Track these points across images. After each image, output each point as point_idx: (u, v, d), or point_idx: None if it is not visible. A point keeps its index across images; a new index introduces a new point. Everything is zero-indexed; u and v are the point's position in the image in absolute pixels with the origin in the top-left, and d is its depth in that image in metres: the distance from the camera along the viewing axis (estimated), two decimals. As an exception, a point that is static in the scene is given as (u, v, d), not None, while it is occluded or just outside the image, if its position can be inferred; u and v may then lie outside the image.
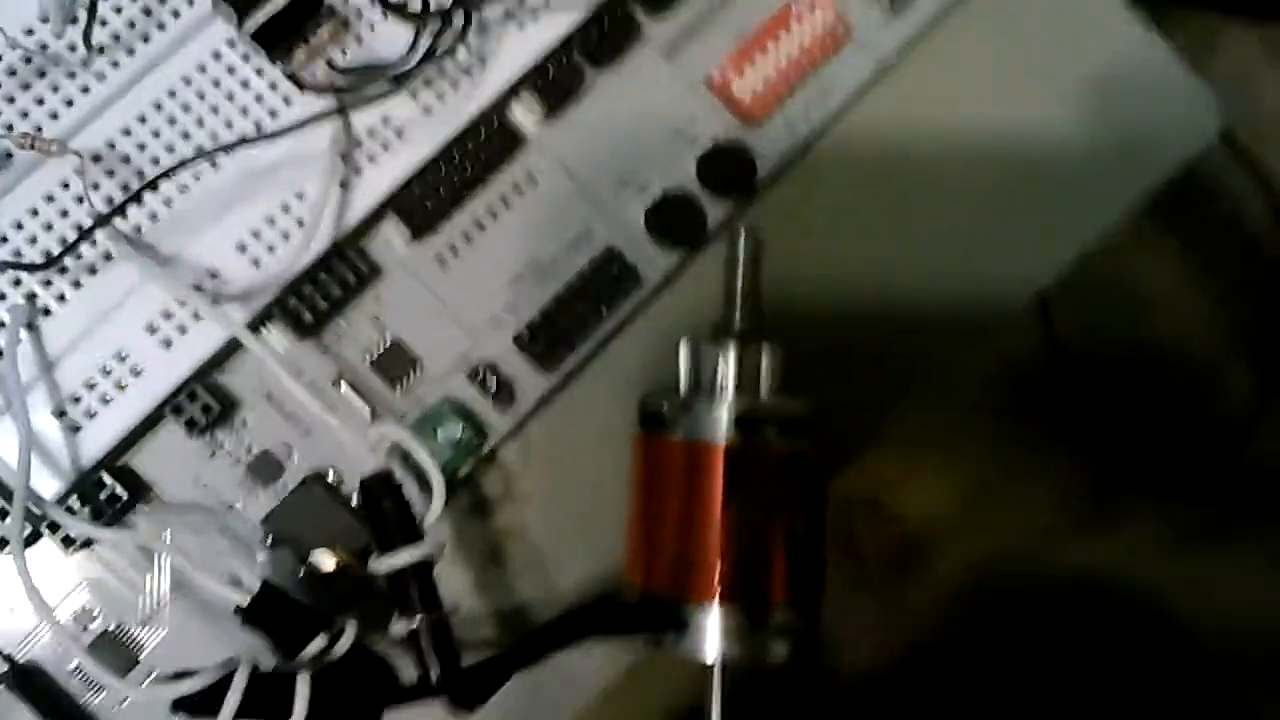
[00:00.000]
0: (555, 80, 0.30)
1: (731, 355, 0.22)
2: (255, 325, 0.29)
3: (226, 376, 0.29)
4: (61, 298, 0.27)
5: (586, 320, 0.30)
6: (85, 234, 0.27)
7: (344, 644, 0.26)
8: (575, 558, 0.30)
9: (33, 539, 0.27)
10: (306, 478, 0.29)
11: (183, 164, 0.27)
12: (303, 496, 0.28)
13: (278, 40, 0.28)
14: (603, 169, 0.31)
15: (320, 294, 0.29)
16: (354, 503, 0.28)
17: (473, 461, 0.29)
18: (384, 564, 0.26)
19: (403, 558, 0.26)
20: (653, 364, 0.31)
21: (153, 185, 0.27)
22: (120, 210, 0.27)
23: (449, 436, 0.29)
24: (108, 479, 0.27)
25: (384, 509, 0.27)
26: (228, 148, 0.28)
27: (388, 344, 0.29)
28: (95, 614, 0.28)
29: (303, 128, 0.28)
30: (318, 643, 0.26)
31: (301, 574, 0.28)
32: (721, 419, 0.21)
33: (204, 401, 0.28)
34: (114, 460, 0.28)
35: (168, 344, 0.28)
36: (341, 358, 0.29)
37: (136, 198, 0.27)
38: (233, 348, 0.29)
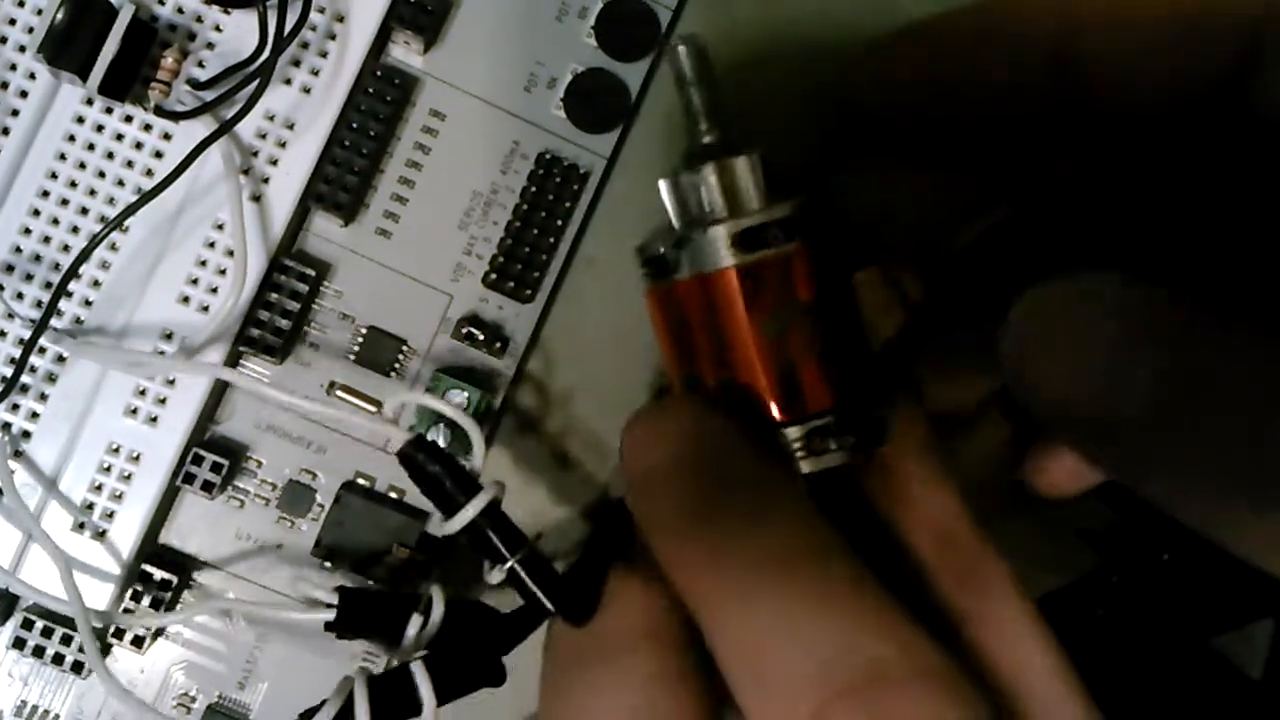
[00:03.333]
0: (420, 5, 0.28)
1: (711, 178, 0.21)
2: (230, 366, 0.28)
3: (223, 427, 0.28)
4: (34, 415, 0.27)
5: (549, 234, 0.29)
6: (29, 346, 0.26)
7: (438, 611, 0.25)
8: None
9: (105, 650, 0.27)
10: (339, 492, 0.28)
11: (94, 242, 0.26)
12: (342, 511, 0.28)
13: (129, 82, 0.27)
14: (504, 77, 0.29)
15: (278, 313, 0.28)
16: (394, 494, 0.28)
17: (491, 414, 0.29)
18: (454, 525, 0.25)
19: (468, 513, 0.25)
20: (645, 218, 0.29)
21: (74, 274, 0.26)
22: (53, 310, 0.26)
23: (458, 403, 0.28)
24: (151, 569, 0.27)
25: (430, 473, 0.26)
26: (132, 209, 0.26)
27: (364, 335, 0.28)
28: (194, 694, 0.28)
29: (194, 160, 0.26)
30: (415, 622, 0.25)
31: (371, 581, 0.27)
32: (719, 244, 0.20)
33: (211, 460, 0.27)
34: (150, 548, 0.27)
35: (153, 420, 0.27)
36: (326, 365, 0.28)
37: (63, 292, 0.26)
38: (217, 398, 0.28)
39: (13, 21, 0.27)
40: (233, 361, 0.28)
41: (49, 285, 0.27)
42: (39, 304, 0.27)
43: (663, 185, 0.22)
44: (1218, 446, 0.14)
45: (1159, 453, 0.15)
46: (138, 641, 0.27)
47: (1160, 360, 0.14)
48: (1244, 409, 0.14)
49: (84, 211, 0.27)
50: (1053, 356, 0.16)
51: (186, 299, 0.27)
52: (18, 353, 0.26)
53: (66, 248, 0.27)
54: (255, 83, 0.27)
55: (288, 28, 0.27)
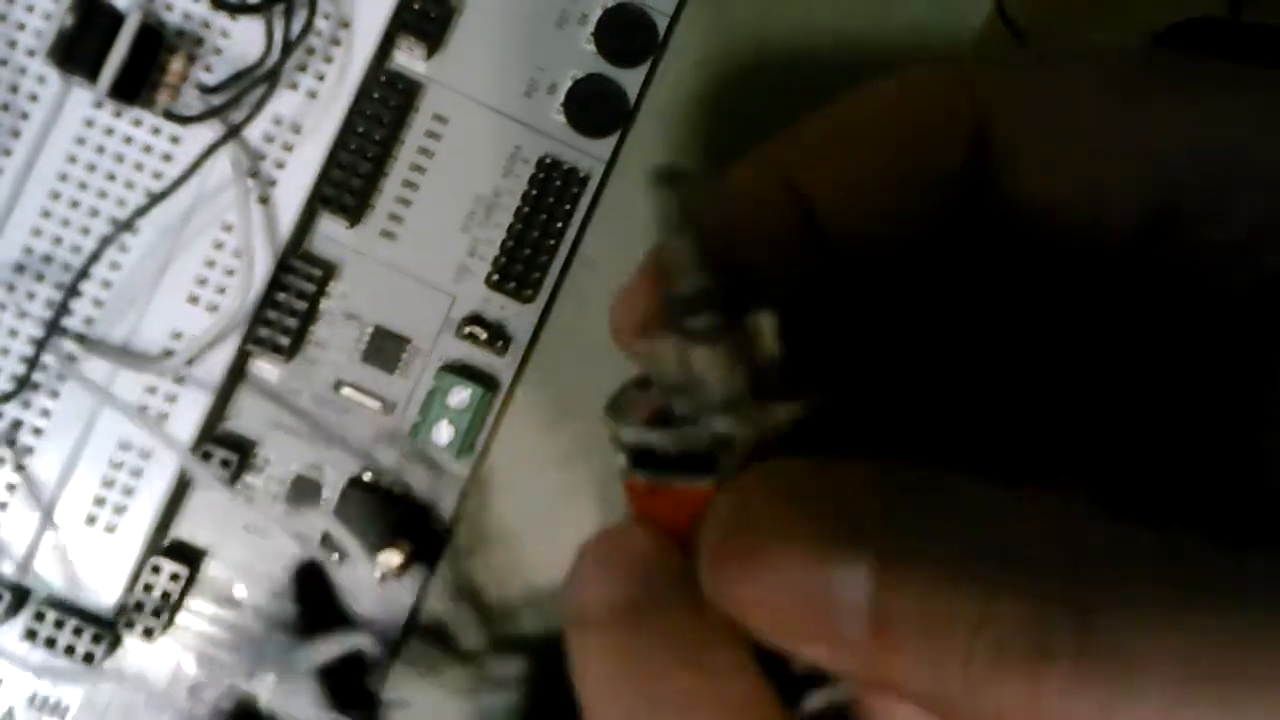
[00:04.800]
0: (424, 12, 0.29)
1: (711, 366, 0.14)
2: (238, 366, 0.28)
3: (232, 423, 0.29)
4: (46, 413, 0.27)
5: (549, 236, 0.29)
6: (41, 346, 0.27)
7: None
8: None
9: (115, 642, 0.28)
10: (344, 488, 0.29)
11: (105, 243, 0.27)
12: (347, 506, 0.29)
13: (138, 87, 0.27)
14: (505, 83, 0.30)
15: (286, 313, 0.28)
16: (399, 491, 0.29)
17: (493, 412, 0.29)
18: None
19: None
20: (634, 239, 0.30)
21: (85, 274, 0.27)
22: (64, 309, 0.27)
23: (460, 401, 0.28)
24: (161, 561, 0.28)
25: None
26: (142, 211, 0.27)
27: (370, 334, 0.29)
28: (204, 684, 0.28)
29: (203, 163, 0.27)
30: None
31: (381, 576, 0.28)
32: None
33: (220, 456, 0.28)
34: (160, 542, 0.28)
35: (164, 417, 0.28)
36: (332, 363, 0.29)
37: (74, 291, 0.27)
38: (227, 394, 0.28)
39: (22, 27, 0.28)
40: (242, 361, 0.28)
41: (60, 286, 0.27)
42: (50, 304, 0.27)
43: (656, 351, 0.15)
44: None
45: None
46: (148, 632, 0.27)
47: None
48: None
49: (94, 214, 0.28)
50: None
51: (195, 299, 0.28)
52: (31, 351, 0.27)
53: (77, 249, 0.27)
54: (263, 87, 0.27)
55: (294, 34, 0.27)
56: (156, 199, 0.27)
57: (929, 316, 0.16)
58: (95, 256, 0.27)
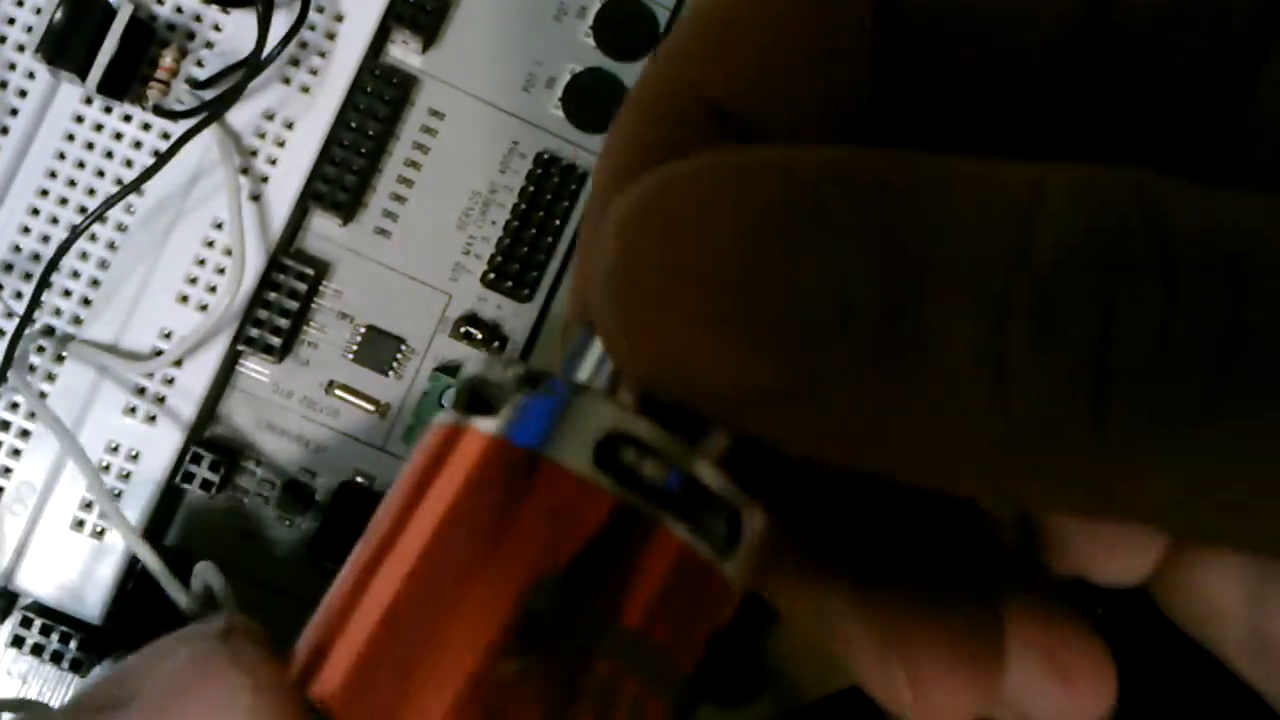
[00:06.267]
0: (419, 5, 0.28)
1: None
2: (229, 365, 0.28)
3: (221, 426, 0.28)
4: (32, 415, 0.27)
5: (547, 233, 0.29)
6: (15, 341, 0.26)
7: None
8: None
9: (107, 649, 0.27)
10: (336, 492, 0.28)
11: (74, 235, 0.26)
12: (339, 509, 0.28)
13: (128, 82, 0.27)
14: (503, 77, 0.29)
15: (277, 312, 0.28)
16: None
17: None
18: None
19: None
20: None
21: (55, 267, 0.26)
22: (37, 303, 0.26)
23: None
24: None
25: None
26: (118, 197, 0.26)
27: (363, 334, 0.28)
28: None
29: (179, 150, 0.26)
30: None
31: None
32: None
33: (210, 459, 0.27)
34: (155, 545, 0.27)
35: (152, 419, 0.27)
36: (324, 364, 0.28)
37: (45, 284, 0.26)
38: (216, 396, 0.28)
39: (12, 21, 0.27)
40: (232, 360, 0.28)
41: (48, 284, 0.27)
42: (39, 302, 0.27)
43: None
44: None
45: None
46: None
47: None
48: None
49: (83, 210, 0.27)
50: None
51: (185, 298, 0.27)
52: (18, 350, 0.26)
53: (60, 245, 0.27)
54: (256, 79, 0.27)
55: (286, 27, 0.27)
56: (126, 189, 0.26)
57: None
58: (64, 249, 0.26)
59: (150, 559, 0.25)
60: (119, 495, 0.27)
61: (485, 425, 0.12)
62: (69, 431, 0.26)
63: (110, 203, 0.26)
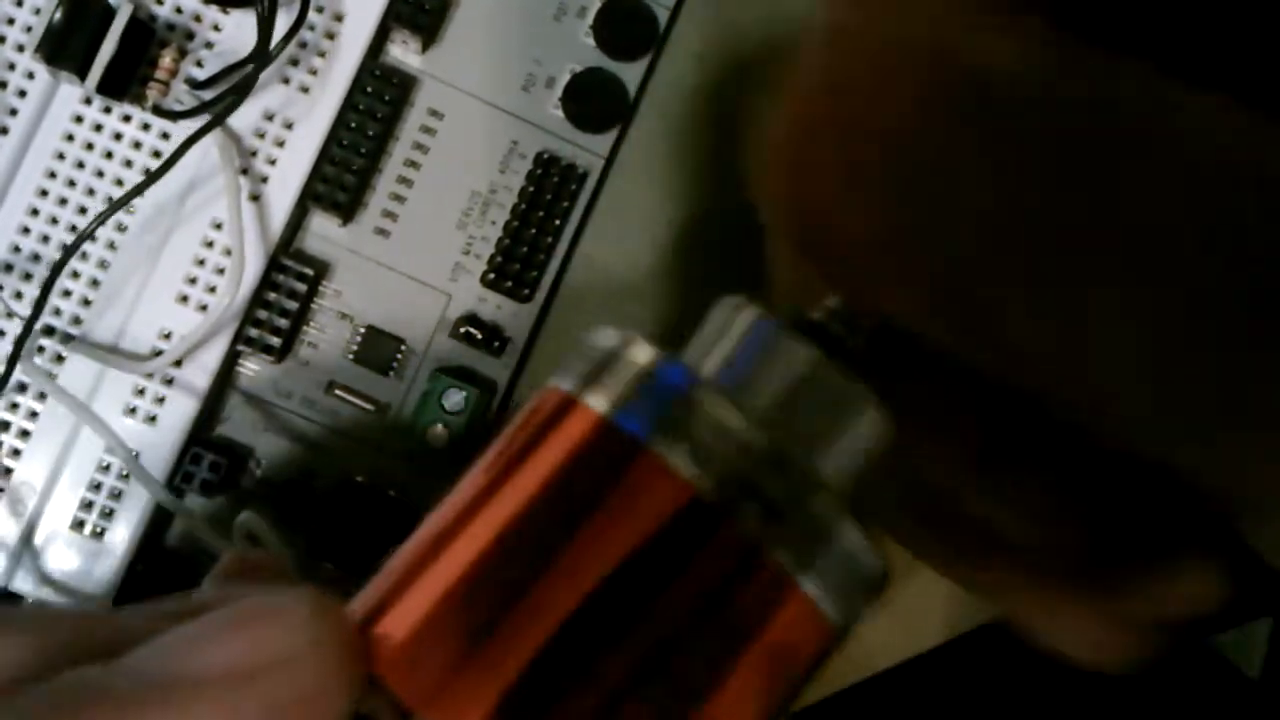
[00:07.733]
0: (418, 5, 0.28)
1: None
2: (229, 366, 0.28)
3: (221, 426, 0.28)
4: (34, 415, 0.27)
5: (547, 233, 0.29)
6: (21, 339, 0.26)
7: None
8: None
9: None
10: (335, 491, 0.28)
11: (82, 236, 0.26)
12: (341, 509, 0.28)
13: (128, 82, 0.27)
14: (502, 77, 0.29)
15: (277, 312, 0.28)
16: (392, 494, 0.28)
17: (489, 415, 0.29)
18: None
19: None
20: (630, 244, 0.29)
21: (62, 269, 0.26)
22: (41, 308, 0.26)
23: (455, 403, 0.28)
24: (151, 568, 0.27)
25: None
26: (125, 199, 0.26)
27: (363, 335, 0.28)
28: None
29: (183, 155, 0.26)
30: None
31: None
32: None
33: (210, 459, 0.27)
34: (150, 548, 0.27)
35: (152, 419, 0.27)
36: (324, 365, 0.28)
37: (50, 288, 0.26)
38: (216, 396, 0.28)
39: (11, 21, 0.27)
40: (231, 361, 0.28)
41: (49, 285, 0.27)
42: (39, 303, 0.27)
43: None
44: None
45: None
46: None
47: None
48: None
49: (82, 211, 0.27)
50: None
51: (185, 298, 0.27)
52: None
53: (65, 247, 0.27)
54: (256, 80, 0.27)
55: (286, 26, 0.27)
56: (129, 195, 0.26)
57: None
58: (72, 249, 0.26)
59: (185, 512, 0.26)
60: (119, 495, 0.27)
61: (597, 403, 0.12)
62: (85, 405, 0.26)
63: (118, 205, 0.26)
